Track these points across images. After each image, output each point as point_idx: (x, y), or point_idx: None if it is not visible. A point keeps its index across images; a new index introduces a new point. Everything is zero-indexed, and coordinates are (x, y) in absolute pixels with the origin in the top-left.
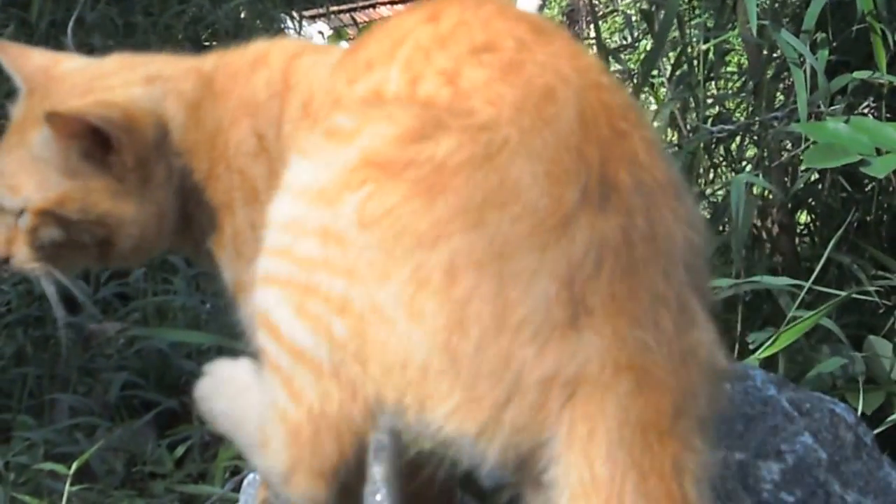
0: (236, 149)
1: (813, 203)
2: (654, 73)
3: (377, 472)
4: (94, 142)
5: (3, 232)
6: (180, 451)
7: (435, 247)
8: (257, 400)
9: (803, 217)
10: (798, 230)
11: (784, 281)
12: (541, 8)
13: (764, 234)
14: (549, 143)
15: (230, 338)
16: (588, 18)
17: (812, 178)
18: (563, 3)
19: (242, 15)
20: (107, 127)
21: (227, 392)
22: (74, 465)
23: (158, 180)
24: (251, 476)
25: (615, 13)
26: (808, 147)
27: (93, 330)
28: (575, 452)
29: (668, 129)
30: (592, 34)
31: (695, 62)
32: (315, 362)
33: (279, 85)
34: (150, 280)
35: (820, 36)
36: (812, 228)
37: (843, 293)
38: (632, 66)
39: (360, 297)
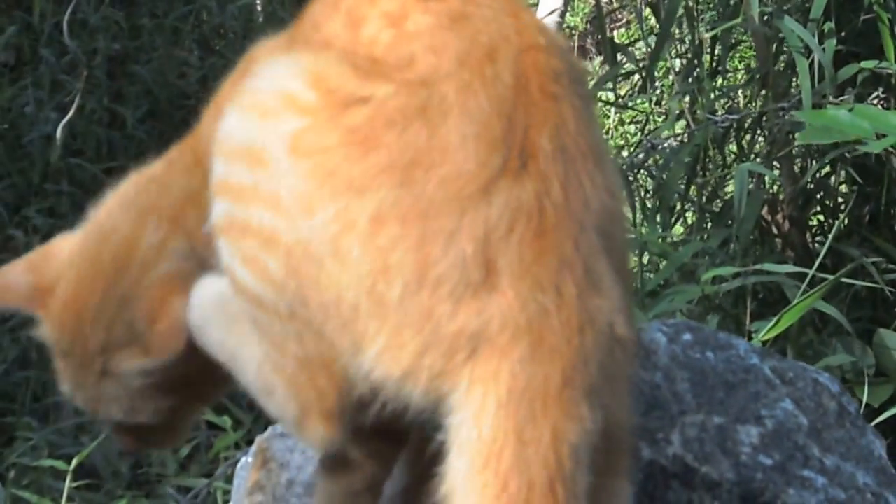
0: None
1: (823, 196)
2: (663, 65)
3: None
4: None
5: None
6: (185, 451)
7: (363, 194)
8: (249, 338)
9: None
10: (810, 226)
11: (787, 268)
12: (563, 14)
13: (774, 229)
14: (483, 107)
15: None
16: (611, 26)
17: (823, 172)
18: (587, 10)
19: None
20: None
21: (220, 320)
22: (74, 462)
23: None
24: (244, 460)
25: (632, 21)
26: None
27: None
28: (467, 411)
29: (675, 123)
30: (616, 40)
31: (704, 55)
32: (273, 308)
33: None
34: None
35: (828, 26)
36: (824, 225)
37: (847, 279)
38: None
39: (285, 231)
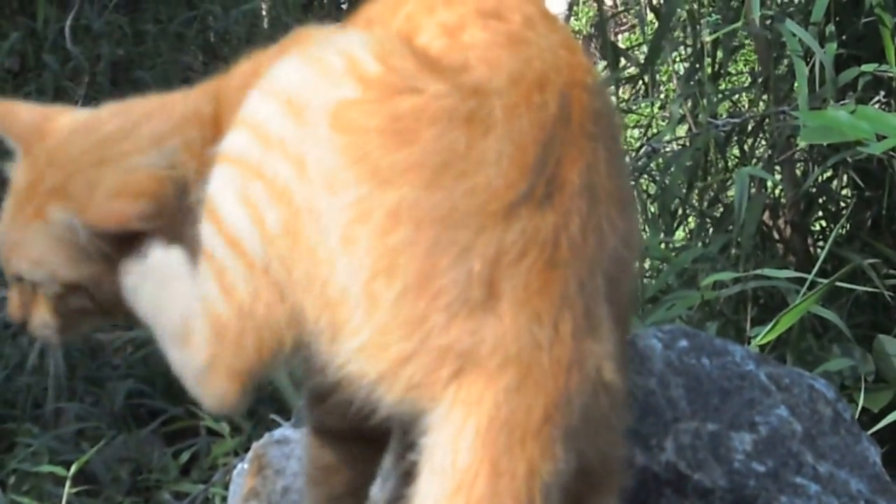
0: None
1: (824, 201)
2: (666, 69)
3: None
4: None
5: (20, 297)
6: (185, 456)
7: (387, 187)
8: (186, 290)
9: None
10: (812, 231)
11: (787, 273)
12: (567, 18)
13: (776, 234)
14: (525, 131)
15: None
16: (616, 30)
17: (825, 177)
18: (591, 14)
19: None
20: (145, 225)
21: (155, 277)
22: (74, 468)
23: (185, 234)
24: (240, 466)
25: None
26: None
27: (99, 339)
28: (445, 434)
29: (678, 128)
30: (621, 44)
31: (706, 59)
32: (249, 255)
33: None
34: None
35: (829, 29)
36: (826, 230)
37: (847, 284)
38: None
39: (301, 193)
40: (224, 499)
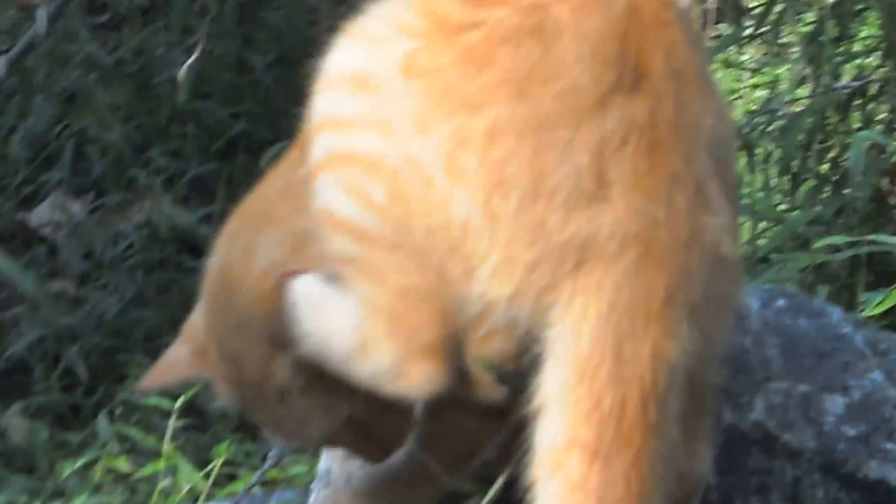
0: None
1: None
2: (790, 29)
3: None
4: None
5: None
6: None
7: (478, 111)
8: (341, 307)
9: None
10: None
11: None
12: None
13: (892, 200)
14: (598, 27)
15: None
16: None
17: None
18: None
19: None
20: None
21: (305, 312)
22: (180, 400)
23: None
24: None
25: None
26: None
27: None
28: (568, 324)
29: (798, 89)
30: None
31: (830, 20)
32: (371, 237)
33: None
34: None
35: None
36: None
37: None
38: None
39: (393, 153)
40: None
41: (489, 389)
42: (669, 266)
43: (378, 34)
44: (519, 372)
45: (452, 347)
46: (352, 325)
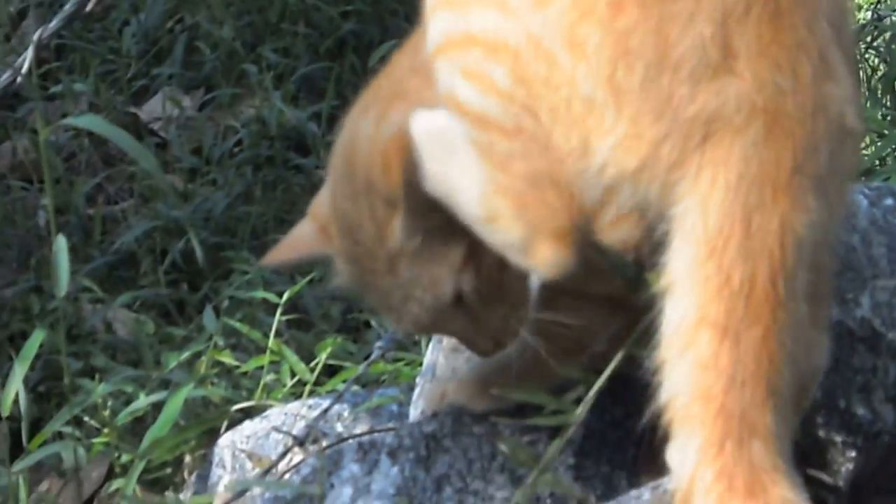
0: None
1: None
2: None
3: None
4: None
5: None
6: None
7: None
8: (471, 171)
9: None
10: None
11: None
12: None
13: None
14: None
15: None
16: None
17: None
18: None
19: None
20: None
21: (437, 152)
22: (286, 295)
23: None
24: None
25: None
26: None
27: (321, 175)
28: (695, 198)
29: None
30: None
31: None
32: (496, 123)
33: None
34: None
35: None
36: None
37: None
38: None
39: (513, 31)
40: (429, 337)
41: (608, 280)
42: (797, 136)
43: None
44: (640, 265)
45: (579, 232)
46: (479, 193)
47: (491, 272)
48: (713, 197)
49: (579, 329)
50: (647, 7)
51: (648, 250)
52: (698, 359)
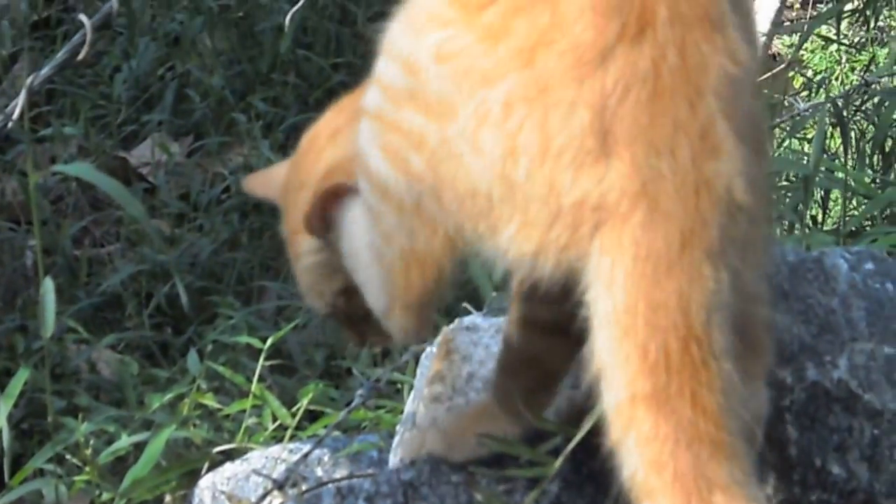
0: None
1: None
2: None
3: None
4: None
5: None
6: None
7: (495, 84)
8: (364, 226)
9: None
10: None
11: None
12: None
13: None
14: None
15: None
16: None
17: None
18: None
19: None
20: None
21: (347, 232)
22: (270, 340)
23: None
24: (428, 350)
25: None
26: None
27: None
28: (600, 284)
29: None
30: None
31: None
32: (397, 199)
33: None
34: None
35: None
36: None
37: None
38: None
39: (433, 134)
40: (411, 385)
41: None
42: (680, 215)
43: (419, 24)
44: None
45: (432, 307)
46: (364, 261)
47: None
48: (615, 281)
49: (540, 363)
50: (532, 102)
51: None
52: (641, 434)
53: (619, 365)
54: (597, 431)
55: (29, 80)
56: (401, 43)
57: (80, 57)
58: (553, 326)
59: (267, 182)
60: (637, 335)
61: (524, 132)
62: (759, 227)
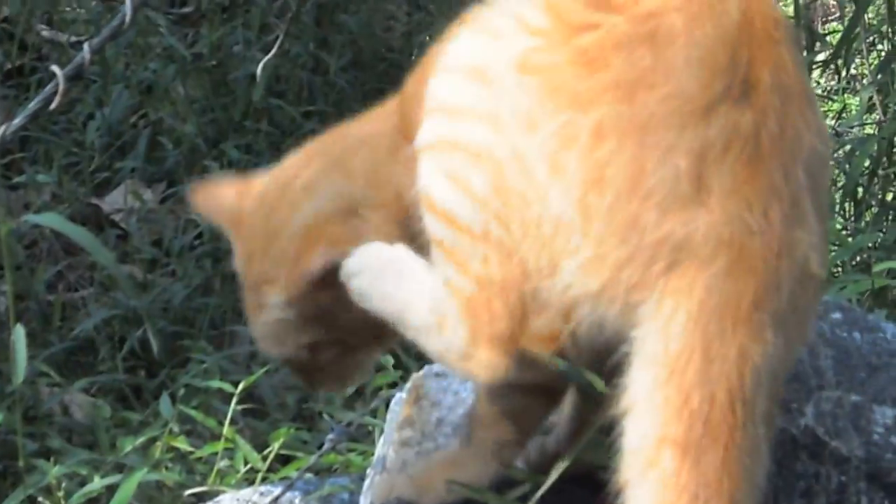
0: None
1: None
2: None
3: None
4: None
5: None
6: (350, 389)
7: (587, 110)
8: (425, 281)
9: None
10: None
11: None
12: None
13: None
14: (710, 35)
15: None
16: (824, 18)
17: None
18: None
19: None
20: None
21: (389, 273)
22: (242, 385)
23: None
24: (398, 395)
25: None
26: None
27: None
28: (657, 323)
29: (867, 115)
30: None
31: None
32: (465, 225)
33: None
34: None
35: None
36: None
37: None
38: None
39: (501, 146)
40: (381, 429)
41: (548, 375)
42: (760, 274)
43: (501, 29)
44: (590, 369)
45: (519, 340)
46: (430, 304)
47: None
48: (674, 323)
49: (517, 416)
50: (627, 137)
51: (607, 366)
52: (661, 477)
53: (656, 406)
54: (566, 478)
55: (2, 130)
56: (471, 50)
57: (53, 107)
58: (536, 387)
59: (217, 205)
60: (684, 380)
61: (614, 165)
62: (817, 303)
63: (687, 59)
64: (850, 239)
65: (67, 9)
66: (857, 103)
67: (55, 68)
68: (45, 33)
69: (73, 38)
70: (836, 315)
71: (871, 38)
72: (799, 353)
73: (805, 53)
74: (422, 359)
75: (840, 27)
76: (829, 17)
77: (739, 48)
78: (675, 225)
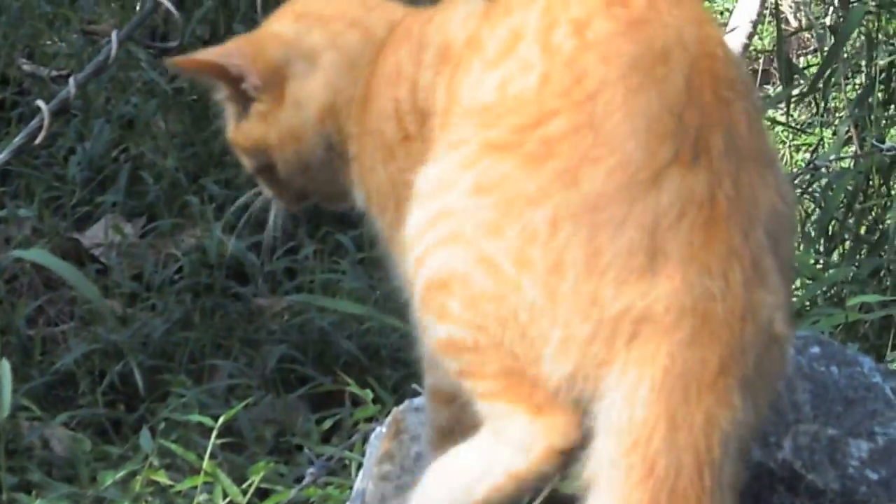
0: (378, 114)
1: None
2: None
3: None
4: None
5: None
6: (328, 423)
7: (540, 204)
8: (460, 448)
9: None
10: None
11: None
12: (750, 36)
13: None
14: (653, 104)
15: (395, 316)
16: (799, 51)
17: None
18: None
19: None
20: (224, 60)
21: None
22: (221, 419)
23: (291, 101)
24: (378, 430)
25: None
26: None
27: (259, 303)
28: (620, 393)
29: (843, 149)
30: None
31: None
32: (461, 344)
33: (416, 53)
34: (319, 259)
35: None
36: None
37: None
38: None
39: (464, 258)
40: (360, 464)
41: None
42: (724, 339)
43: (447, 179)
44: None
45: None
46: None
47: None
48: (638, 392)
49: None
50: (580, 220)
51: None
52: None
53: (620, 474)
54: None
55: None
56: (422, 220)
57: (38, 141)
58: None
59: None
60: (648, 449)
61: (572, 248)
62: (784, 365)
63: (631, 130)
64: (824, 273)
65: (49, 42)
66: (833, 136)
67: (41, 103)
68: (27, 67)
69: (55, 73)
70: (815, 349)
71: (848, 72)
72: (765, 418)
73: (782, 87)
74: (400, 393)
75: (816, 60)
76: (805, 50)
77: (687, 113)
78: (634, 297)
